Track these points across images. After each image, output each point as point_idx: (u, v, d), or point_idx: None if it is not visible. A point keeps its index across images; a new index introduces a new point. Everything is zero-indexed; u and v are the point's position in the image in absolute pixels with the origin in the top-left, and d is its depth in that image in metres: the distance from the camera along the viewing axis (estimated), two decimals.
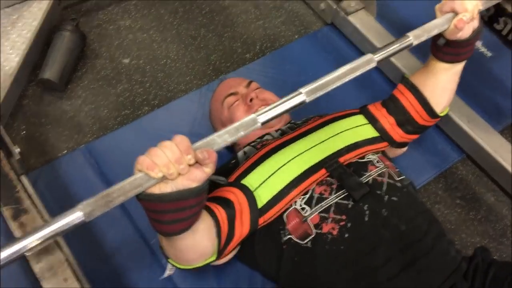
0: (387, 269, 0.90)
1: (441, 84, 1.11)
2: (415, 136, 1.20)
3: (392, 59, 1.52)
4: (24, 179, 1.19)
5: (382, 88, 1.57)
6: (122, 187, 0.66)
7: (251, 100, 1.20)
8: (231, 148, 1.33)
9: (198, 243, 0.85)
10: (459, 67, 1.09)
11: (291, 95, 0.81)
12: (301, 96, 0.81)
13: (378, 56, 0.88)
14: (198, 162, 0.70)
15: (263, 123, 0.77)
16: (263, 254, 1.02)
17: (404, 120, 1.14)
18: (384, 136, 1.14)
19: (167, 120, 1.43)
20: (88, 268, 1.10)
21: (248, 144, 1.17)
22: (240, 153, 1.14)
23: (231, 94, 1.24)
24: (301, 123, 1.20)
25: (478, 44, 1.66)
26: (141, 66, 1.55)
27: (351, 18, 1.63)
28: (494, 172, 1.42)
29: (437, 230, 0.99)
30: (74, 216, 0.65)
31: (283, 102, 0.80)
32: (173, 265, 0.93)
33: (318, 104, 1.33)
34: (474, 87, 1.56)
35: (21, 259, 0.93)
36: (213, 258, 0.91)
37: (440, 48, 1.05)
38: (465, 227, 1.38)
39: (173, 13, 1.70)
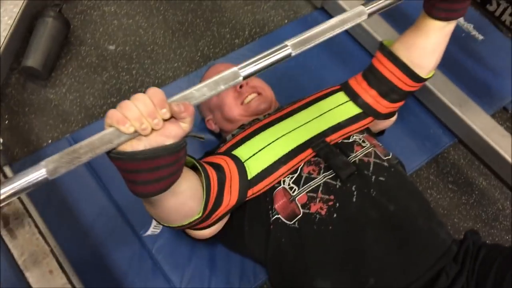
0: (375, 250, 0.89)
1: (431, 44, 1.05)
2: (400, 103, 1.15)
3: (374, 34, 1.50)
4: (8, 170, 1.16)
5: (361, 60, 1.56)
6: (90, 142, 0.60)
7: (240, 86, 1.17)
8: (220, 136, 1.30)
9: (182, 205, 0.81)
10: (451, 26, 1.04)
11: (276, 48, 0.75)
12: (287, 49, 0.75)
13: (369, 8, 0.83)
14: (174, 118, 0.64)
15: (245, 77, 0.71)
16: (251, 234, 1.00)
17: (388, 90, 1.09)
18: (367, 111, 1.11)
19: None
20: (75, 259, 1.08)
21: (237, 129, 1.15)
22: (228, 137, 1.12)
23: None
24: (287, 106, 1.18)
25: (470, 27, 1.65)
26: (127, 53, 1.52)
27: (341, 2, 1.60)
28: (486, 156, 1.41)
29: (427, 211, 0.98)
30: (37, 173, 0.59)
31: (267, 55, 0.73)
32: (158, 223, 0.89)
33: (305, 87, 1.32)
34: (466, 70, 1.55)
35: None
36: (199, 215, 0.85)
37: (435, 4, 0.99)
38: (457, 212, 1.37)
39: None
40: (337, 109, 1.10)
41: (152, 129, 0.62)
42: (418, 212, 0.95)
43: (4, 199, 0.59)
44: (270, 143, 1.00)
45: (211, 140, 1.33)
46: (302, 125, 1.05)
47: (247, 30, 1.63)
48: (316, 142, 1.01)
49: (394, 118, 1.22)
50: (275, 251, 0.96)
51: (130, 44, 1.54)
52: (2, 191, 0.58)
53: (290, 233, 0.94)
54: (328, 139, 1.03)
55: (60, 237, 1.10)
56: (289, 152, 0.99)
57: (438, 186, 1.42)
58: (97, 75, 1.46)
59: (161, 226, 1.00)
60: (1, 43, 1.34)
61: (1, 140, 1.21)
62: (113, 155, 0.63)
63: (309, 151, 1.00)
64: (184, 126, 0.65)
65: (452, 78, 1.44)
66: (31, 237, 0.93)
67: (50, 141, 1.32)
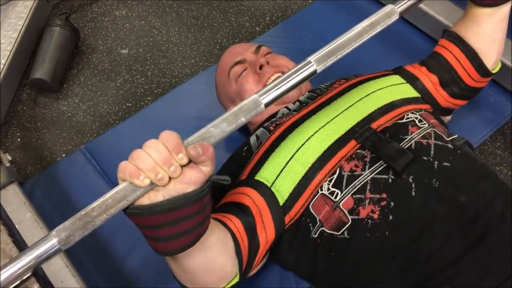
0: (448, 252, 0.70)
1: (486, 34, 0.91)
2: (462, 102, 0.99)
3: (428, 9, 1.31)
4: (16, 187, 1.05)
5: (419, 47, 1.36)
6: (102, 203, 0.54)
7: (260, 67, 1.00)
8: (245, 130, 1.14)
9: (213, 262, 0.69)
10: (504, 10, 0.88)
11: (298, 66, 0.67)
12: (311, 66, 0.67)
13: (400, 6, 0.74)
14: (192, 161, 0.56)
15: (268, 104, 0.63)
16: (292, 253, 0.83)
17: (449, 80, 0.94)
18: (426, 97, 0.94)
19: (173, 107, 1.27)
20: (93, 278, 0.96)
21: (262, 125, 0.98)
22: (252, 138, 0.95)
23: (238, 62, 1.05)
24: (323, 90, 1.00)
25: None
26: (141, 55, 1.41)
27: None
28: None
29: (507, 195, 0.77)
30: (48, 245, 0.53)
31: (289, 76, 0.66)
32: None
33: (342, 70, 1.16)
34: None
35: None
36: (237, 279, 0.73)
37: None
38: None
39: None
40: (390, 88, 0.92)
41: (170, 178, 0.56)
42: (495, 197, 0.75)
43: (14, 279, 0.53)
44: (301, 147, 0.82)
45: (236, 137, 1.18)
46: (342, 111, 0.87)
47: (267, 16, 1.49)
48: (360, 131, 0.82)
49: (449, 117, 1.04)
50: (326, 269, 0.80)
51: (144, 45, 1.43)
52: (12, 270, 0.52)
53: (341, 245, 0.76)
54: (374, 124, 0.84)
55: (77, 255, 0.99)
56: (325, 151, 0.81)
57: (508, 161, 1.20)
58: (110, 81, 1.36)
59: None
60: (7, 58, 1.26)
61: (10, 158, 1.12)
62: (130, 211, 0.56)
63: (352, 143, 0.81)
64: (205, 170, 0.57)
65: (508, 33, 1.24)
66: None
67: (64, 155, 1.22)
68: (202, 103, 1.27)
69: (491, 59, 0.93)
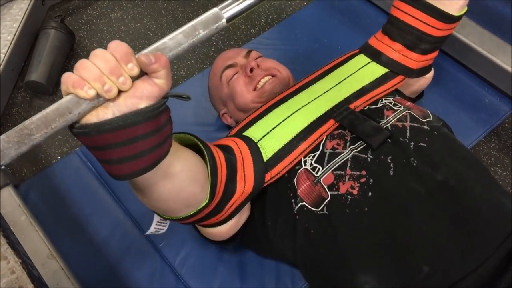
0: (426, 232, 0.70)
1: None
2: (433, 54, 0.97)
3: None
4: (11, 191, 1.05)
5: None
6: (42, 115, 0.48)
7: (251, 70, 1.02)
8: None
9: (179, 191, 0.64)
10: None
11: None
12: None
13: None
14: (146, 75, 0.51)
15: (229, 19, 0.58)
16: (276, 229, 0.84)
17: (415, 40, 0.93)
18: (395, 68, 0.95)
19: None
20: (89, 280, 0.95)
21: None
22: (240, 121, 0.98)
23: (229, 66, 1.06)
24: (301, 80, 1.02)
25: None
26: None
27: None
28: None
29: (486, 178, 0.78)
30: None
31: None
32: (161, 216, 0.73)
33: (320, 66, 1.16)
34: None
35: None
36: (205, 202, 0.69)
37: None
38: None
39: None
40: (358, 72, 0.95)
41: (120, 92, 0.49)
42: (474, 179, 0.75)
43: None
44: (286, 119, 0.85)
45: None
46: (320, 95, 0.90)
47: (263, 18, 1.50)
48: (338, 111, 0.86)
49: (430, 75, 1.04)
50: (305, 245, 0.80)
51: (139, 47, 1.43)
52: None
53: (319, 221, 0.77)
54: (351, 106, 0.87)
55: (72, 257, 0.99)
56: (308, 126, 0.84)
57: (503, 162, 1.21)
58: None
59: (166, 223, 0.81)
60: (2, 61, 1.26)
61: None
62: (76, 130, 0.50)
63: (331, 122, 0.85)
64: (159, 82, 0.51)
65: (501, 35, 1.24)
66: None
67: (59, 157, 1.21)
68: (197, 105, 1.27)
69: (457, 3, 0.90)
